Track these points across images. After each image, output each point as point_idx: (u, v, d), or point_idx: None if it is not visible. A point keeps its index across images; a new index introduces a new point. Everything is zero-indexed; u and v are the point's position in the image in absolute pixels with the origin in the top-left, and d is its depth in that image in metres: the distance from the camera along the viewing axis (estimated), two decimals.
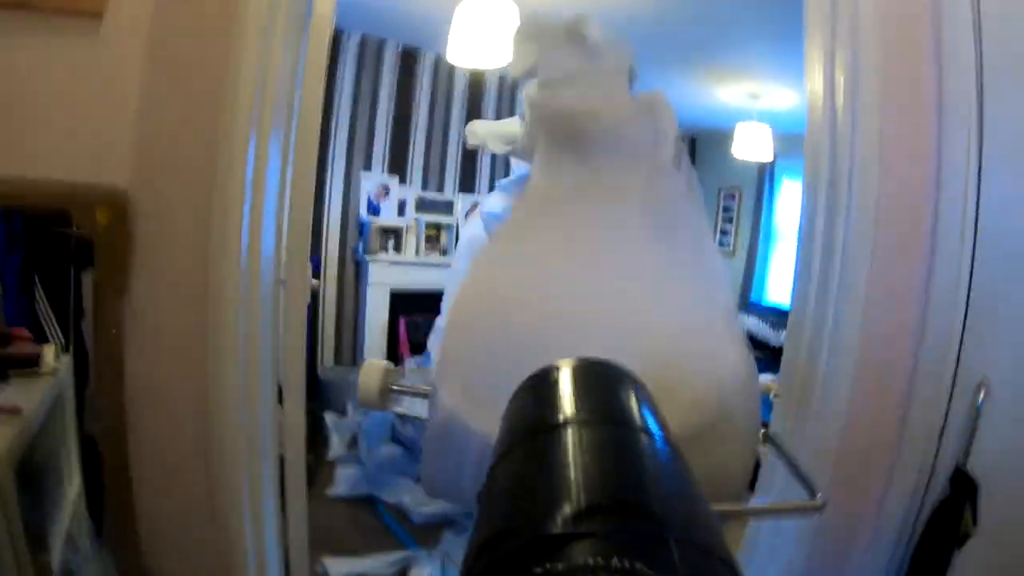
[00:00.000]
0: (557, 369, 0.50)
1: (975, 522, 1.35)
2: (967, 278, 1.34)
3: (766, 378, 2.63)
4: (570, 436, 0.40)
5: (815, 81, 1.40)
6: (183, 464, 1.64)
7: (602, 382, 0.50)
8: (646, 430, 0.42)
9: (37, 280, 1.65)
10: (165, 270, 1.54)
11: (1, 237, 1.63)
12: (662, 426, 0.45)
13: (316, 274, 4.56)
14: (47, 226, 1.57)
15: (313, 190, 1.72)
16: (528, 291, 0.67)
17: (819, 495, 0.67)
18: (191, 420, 1.59)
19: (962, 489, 1.36)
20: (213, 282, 1.51)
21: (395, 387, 0.74)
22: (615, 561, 0.27)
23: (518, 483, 0.39)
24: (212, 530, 1.64)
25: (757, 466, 1.04)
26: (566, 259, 0.75)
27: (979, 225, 1.33)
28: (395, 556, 3.11)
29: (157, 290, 1.54)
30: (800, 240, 1.49)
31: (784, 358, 1.55)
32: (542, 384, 0.50)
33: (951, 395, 1.37)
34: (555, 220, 0.80)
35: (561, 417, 0.43)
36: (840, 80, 1.34)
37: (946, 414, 1.38)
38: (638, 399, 0.48)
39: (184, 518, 1.68)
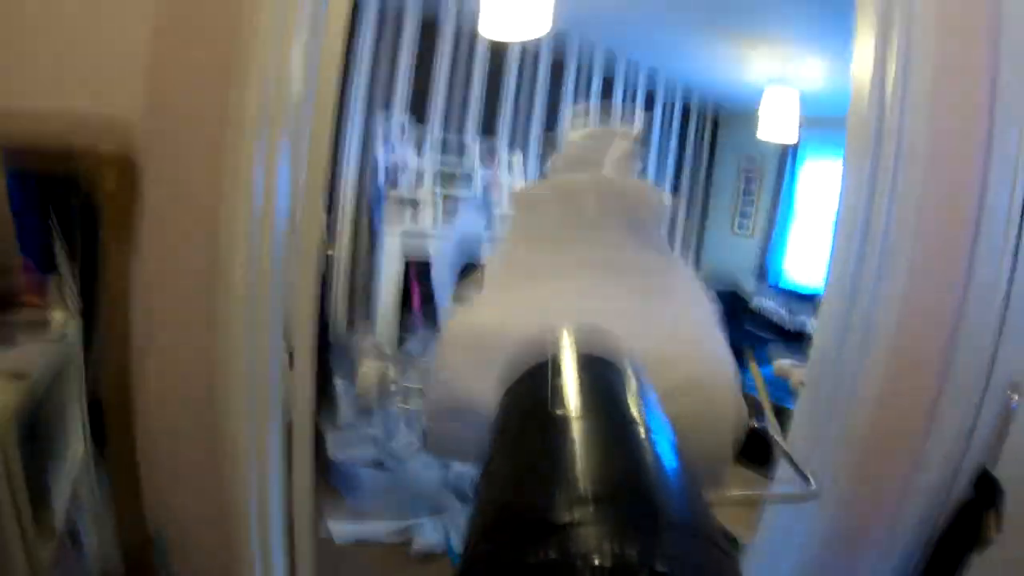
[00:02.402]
0: (558, 355, 0.51)
1: (999, 528, 1.32)
2: (1008, 275, 1.30)
3: (784, 363, 2.60)
4: (569, 425, 0.41)
5: (863, 62, 1.35)
6: (188, 426, 1.63)
7: (603, 370, 0.50)
8: (644, 420, 0.43)
9: (55, 226, 1.63)
10: (174, 216, 1.52)
11: (16, 196, 1.63)
12: (660, 416, 0.45)
13: (329, 244, 4.55)
14: (54, 172, 1.56)
15: (331, 132, 1.66)
16: (521, 316, 0.68)
17: (812, 483, 0.68)
18: (197, 380, 1.57)
19: (985, 492, 1.33)
20: (225, 225, 1.47)
21: (394, 386, 0.74)
22: (607, 547, 0.27)
23: (515, 472, 0.39)
24: (216, 492, 1.65)
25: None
26: (559, 288, 0.80)
27: None
28: (400, 524, 3.10)
29: (165, 237, 1.52)
30: (837, 224, 1.44)
31: (815, 343, 1.51)
32: (543, 369, 0.50)
33: (983, 394, 1.33)
34: (544, 259, 0.86)
35: (561, 405, 0.43)
36: (892, 64, 1.29)
37: (976, 413, 1.34)
38: (638, 389, 0.48)
39: (188, 480, 1.68)
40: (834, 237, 1.46)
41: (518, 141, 5.66)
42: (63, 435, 1.61)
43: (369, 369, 0.79)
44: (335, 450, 3.49)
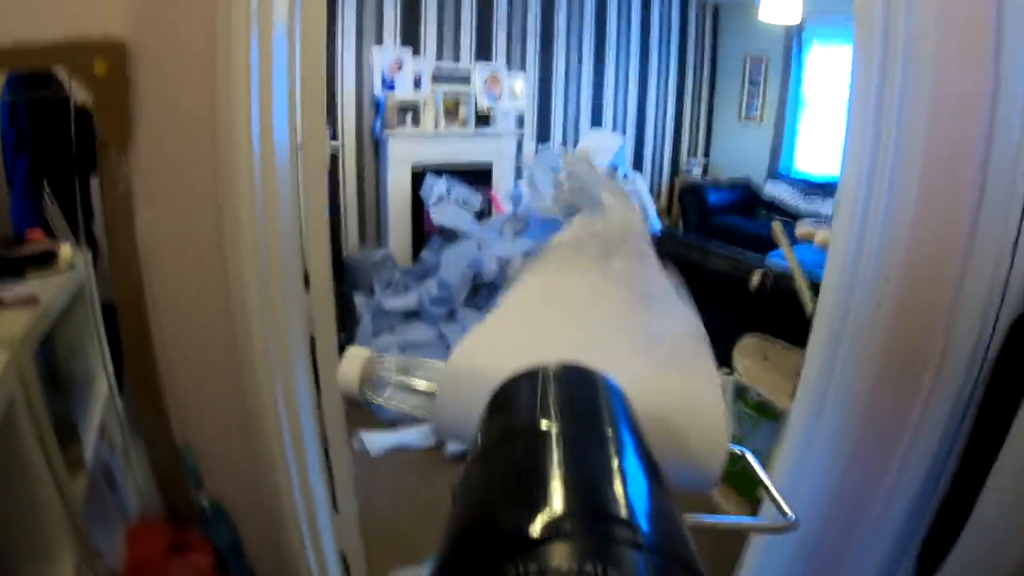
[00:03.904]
0: (540, 372, 0.51)
1: None
2: None
3: (806, 224, 2.55)
4: (549, 440, 0.41)
5: None
6: (206, 331, 1.61)
7: (584, 388, 0.51)
8: (624, 439, 0.43)
9: (46, 183, 1.63)
10: (169, 120, 1.48)
11: (8, 139, 1.60)
12: (639, 435, 0.45)
13: (332, 157, 4.48)
14: (45, 93, 1.54)
15: (324, 33, 1.60)
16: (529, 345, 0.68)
17: (789, 515, 0.69)
18: (210, 277, 1.54)
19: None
20: (223, 134, 1.43)
21: (378, 377, 0.71)
22: (588, 566, 0.27)
23: (495, 484, 0.39)
24: (239, 404, 1.64)
25: None
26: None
27: None
28: (431, 428, 3.12)
29: (163, 141, 1.48)
30: (849, 114, 1.39)
31: (833, 236, 1.47)
32: (524, 385, 0.50)
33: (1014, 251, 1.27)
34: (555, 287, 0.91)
35: (542, 421, 0.43)
36: None
37: (1019, 225, 1.29)
38: (619, 408, 0.49)
39: (210, 393, 1.67)
40: (847, 127, 1.40)
41: (515, 63, 5.53)
42: (87, 367, 1.61)
43: (352, 355, 0.74)
44: None
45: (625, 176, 5.25)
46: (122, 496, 1.71)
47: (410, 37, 4.85)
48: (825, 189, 5.85)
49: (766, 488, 0.75)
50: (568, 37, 5.83)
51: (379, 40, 4.71)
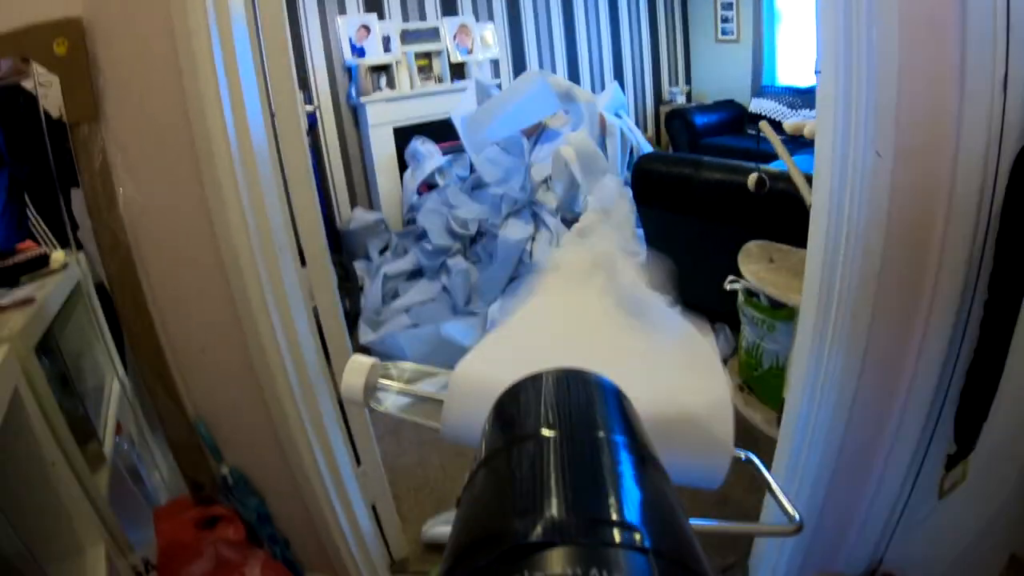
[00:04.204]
0: (539, 378, 0.51)
1: None
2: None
3: (794, 120, 2.52)
4: (550, 446, 0.40)
5: None
6: (203, 301, 1.62)
7: (584, 392, 0.50)
8: (626, 442, 0.42)
9: (27, 199, 1.64)
10: (136, 91, 1.46)
11: None
12: (641, 437, 0.45)
13: (312, 129, 4.44)
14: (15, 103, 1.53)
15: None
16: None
17: (795, 517, 0.67)
18: (201, 246, 1.54)
19: None
20: (192, 104, 1.42)
21: (381, 384, 0.71)
22: (592, 571, 0.26)
23: (497, 490, 0.39)
24: (249, 374, 1.65)
25: None
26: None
27: None
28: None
29: (133, 112, 1.47)
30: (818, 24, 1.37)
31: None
32: (523, 392, 0.50)
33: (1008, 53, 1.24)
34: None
35: (541, 426, 0.43)
36: None
37: (1006, 64, 1.25)
38: (619, 410, 0.48)
39: (217, 362, 1.68)
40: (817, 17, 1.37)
41: (483, 14, 5.45)
42: (96, 364, 1.63)
43: (355, 363, 0.74)
44: (370, 332, 3.50)
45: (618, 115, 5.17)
46: (147, 486, 1.73)
47: (373, 2, 4.78)
48: (811, 96, 5.78)
49: (771, 491, 0.76)
50: None
51: (342, 10, 4.64)
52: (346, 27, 4.63)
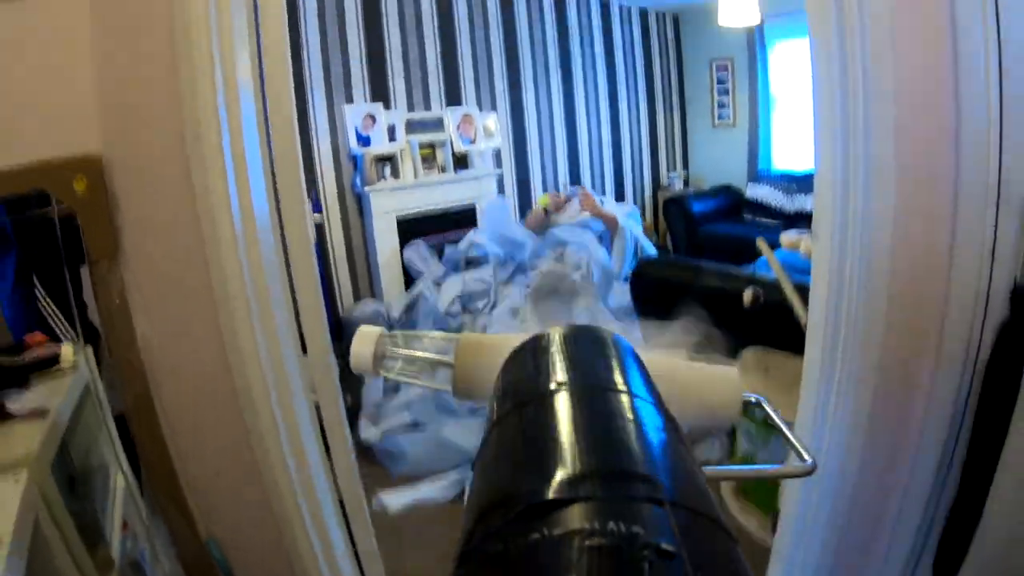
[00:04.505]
0: (548, 335, 0.51)
1: None
2: (997, 91, 1.27)
3: (790, 235, 2.58)
4: (563, 402, 0.41)
5: None
6: (216, 426, 1.62)
7: (594, 347, 0.50)
8: (639, 395, 0.43)
9: (36, 280, 1.66)
10: (154, 227, 1.50)
11: None
12: (654, 391, 0.45)
13: (317, 211, 4.51)
14: (29, 211, 1.55)
15: (294, 119, 1.62)
16: None
17: (808, 459, 0.71)
18: (215, 378, 1.56)
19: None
20: (207, 232, 1.45)
21: (390, 353, 0.74)
22: (611, 525, 0.26)
23: (512, 450, 0.39)
24: (256, 483, 1.65)
25: None
26: None
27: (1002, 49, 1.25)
28: (450, 479, 3.11)
29: (150, 249, 1.50)
30: (815, 89, 1.42)
31: (816, 202, 1.48)
32: (534, 350, 0.50)
33: (997, 209, 1.30)
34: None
35: (553, 383, 0.43)
36: None
37: (995, 230, 1.32)
38: (630, 364, 0.48)
39: (228, 480, 1.68)
40: (815, 96, 1.42)
41: (486, 104, 5.59)
42: (102, 464, 1.62)
43: (364, 333, 0.77)
44: (372, 427, 3.50)
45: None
46: None
47: (380, 92, 4.90)
48: (806, 183, 5.91)
49: (784, 434, 0.76)
50: (535, 69, 5.90)
51: (349, 99, 4.76)
52: (353, 116, 4.74)
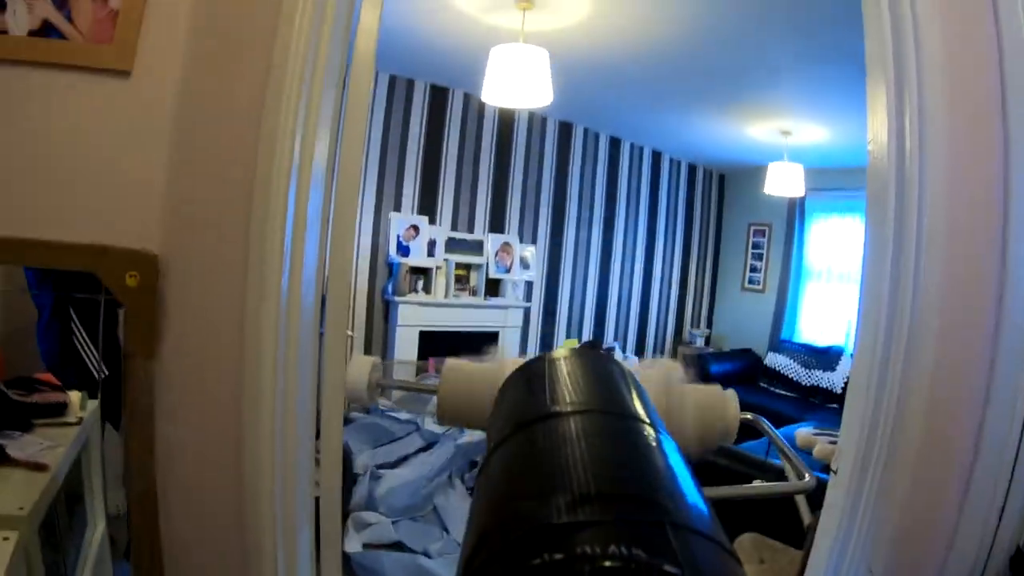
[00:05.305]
0: (551, 357, 0.52)
1: None
2: None
3: (806, 432, 2.57)
4: (565, 424, 0.40)
5: (878, 122, 1.36)
6: (216, 536, 1.58)
7: (596, 370, 0.50)
8: (640, 418, 0.42)
9: (73, 313, 1.64)
10: (196, 335, 1.48)
11: (30, 276, 1.62)
12: (653, 414, 0.45)
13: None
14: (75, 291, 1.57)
15: (354, 244, 1.65)
16: None
17: (807, 477, 0.74)
18: (224, 488, 1.52)
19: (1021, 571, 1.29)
20: (251, 352, 1.45)
21: (383, 382, 0.78)
22: (613, 548, 0.26)
23: (514, 473, 0.39)
24: None
25: None
26: None
27: None
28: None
29: (189, 356, 1.48)
30: (864, 280, 1.43)
31: (845, 420, 1.48)
32: (536, 372, 0.50)
33: (1012, 472, 1.30)
34: None
35: (556, 405, 0.43)
36: (907, 122, 1.30)
37: (1007, 492, 1.31)
38: (630, 387, 0.48)
39: None
40: (861, 293, 1.45)
41: (527, 236, 5.75)
42: (82, 517, 1.59)
43: (359, 361, 0.81)
44: (354, 534, 3.43)
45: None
46: None
47: (427, 206, 5.06)
48: (825, 357, 5.92)
49: (782, 451, 0.75)
50: (579, 209, 6.07)
51: (398, 208, 4.90)
52: (397, 224, 4.88)
